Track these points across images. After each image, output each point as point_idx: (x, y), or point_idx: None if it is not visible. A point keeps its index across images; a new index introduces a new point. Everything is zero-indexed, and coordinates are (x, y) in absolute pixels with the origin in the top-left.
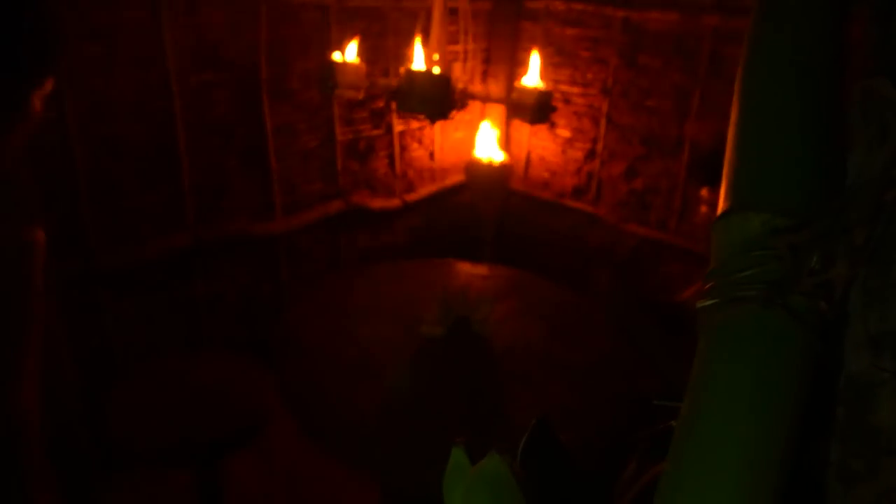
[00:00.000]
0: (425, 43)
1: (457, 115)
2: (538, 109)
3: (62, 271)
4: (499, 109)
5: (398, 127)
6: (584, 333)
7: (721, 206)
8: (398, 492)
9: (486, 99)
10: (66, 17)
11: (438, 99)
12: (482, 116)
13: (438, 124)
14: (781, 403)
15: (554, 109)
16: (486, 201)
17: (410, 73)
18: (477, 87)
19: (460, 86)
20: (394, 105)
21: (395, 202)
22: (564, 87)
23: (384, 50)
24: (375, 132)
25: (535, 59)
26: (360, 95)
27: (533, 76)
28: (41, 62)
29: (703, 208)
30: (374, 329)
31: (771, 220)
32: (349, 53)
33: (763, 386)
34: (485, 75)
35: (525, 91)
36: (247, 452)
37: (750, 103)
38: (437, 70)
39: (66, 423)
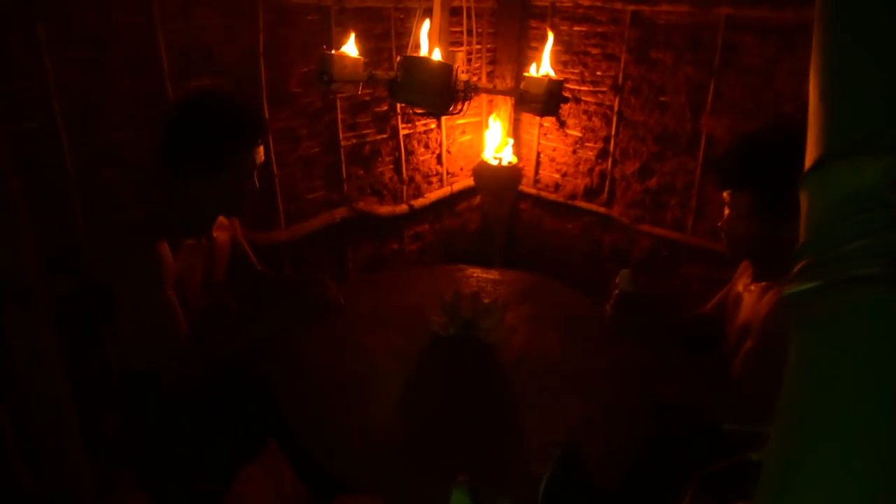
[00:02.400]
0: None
1: (463, 112)
2: (548, 100)
3: (56, 286)
4: (506, 111)
5: (404, 130)
6: (601, 340)
7: (811, 155)
8: None
9: (492, 91)
10: (54, 20)
11: (439, 89)
12: (490, 118)
13: (445, 127)
14: None
15: (566, 100)
16: (495, 205)
17: (407, 60)
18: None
19: (464, 77)
20: (399, 107)
21: (402, 208)
22: (574, 86)
23: (387, 51)
24: (380, 136)
25: (547, 47)
26: (359, 90)
27: (543, 65)
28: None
29: (727, 210)
30: (380, 339)
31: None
32: (347, 48)
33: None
34: (491, 76)
35: (534, 81)
36: (253, 471)
37: (848, 14)
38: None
39: (62, 444)
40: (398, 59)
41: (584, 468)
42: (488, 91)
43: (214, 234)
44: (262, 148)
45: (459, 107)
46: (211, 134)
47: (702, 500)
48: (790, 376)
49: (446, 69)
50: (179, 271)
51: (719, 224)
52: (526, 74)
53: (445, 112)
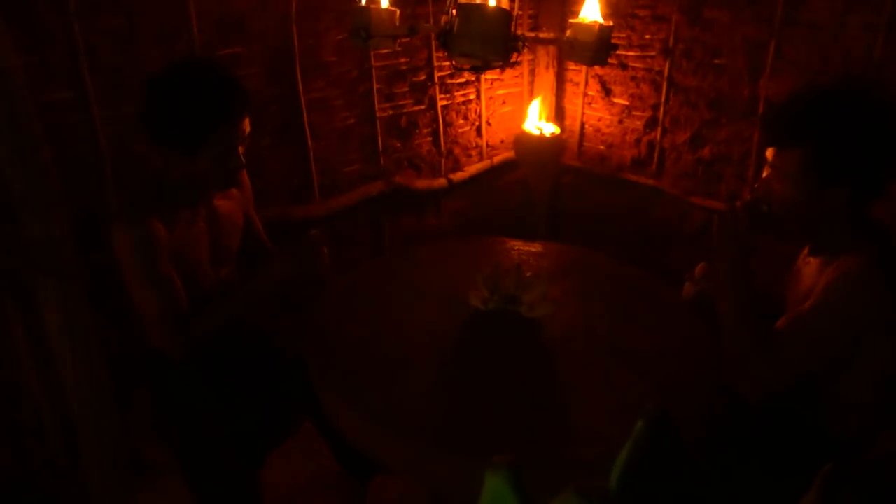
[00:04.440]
0: None
1: (517, 61)
2: (599, 47)
3: (89, 260)
4: (549, 80)
5: (442, 101)
6: (653, 316)
7: None
8: (445, 491)
9: (536, 41)
10: None
11: (500, 37)
12: (531, 87)
13: (485, 98)
14: None
15: (616, 48)
16: (537, 178)
17: (465, 7)
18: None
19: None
20: (436, 76)
21: (440, 182)
22: (620, 52)
23: (424, 18)
24: (417, 108)
25: None
26: (396, 46)
27: (591, 8)
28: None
29: (767, 171)
30: (417, 314)
31: None
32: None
33: None
34: None
35: (582, 27)
36: (288, 451)
37: None
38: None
39: (99, 421)
40: (450, 4)
41: (677, 443)
42: (532, 40)
43: (217, 202)
44: (246, 120)
45: (515, 57)
46: (185, 109)
47: (839, 498)
48: None
49: (506, 15)
50: (179, 246)
51: (755, 185)
52: (573, 21)
53: (505, 61)
